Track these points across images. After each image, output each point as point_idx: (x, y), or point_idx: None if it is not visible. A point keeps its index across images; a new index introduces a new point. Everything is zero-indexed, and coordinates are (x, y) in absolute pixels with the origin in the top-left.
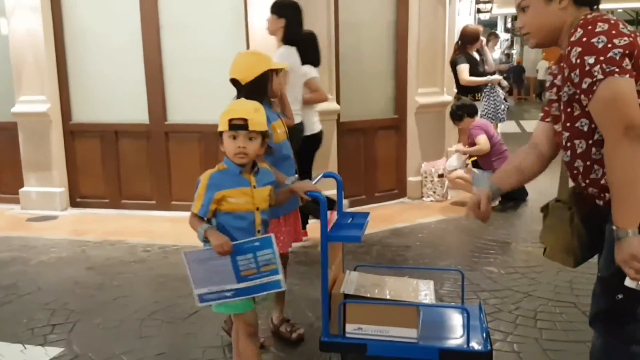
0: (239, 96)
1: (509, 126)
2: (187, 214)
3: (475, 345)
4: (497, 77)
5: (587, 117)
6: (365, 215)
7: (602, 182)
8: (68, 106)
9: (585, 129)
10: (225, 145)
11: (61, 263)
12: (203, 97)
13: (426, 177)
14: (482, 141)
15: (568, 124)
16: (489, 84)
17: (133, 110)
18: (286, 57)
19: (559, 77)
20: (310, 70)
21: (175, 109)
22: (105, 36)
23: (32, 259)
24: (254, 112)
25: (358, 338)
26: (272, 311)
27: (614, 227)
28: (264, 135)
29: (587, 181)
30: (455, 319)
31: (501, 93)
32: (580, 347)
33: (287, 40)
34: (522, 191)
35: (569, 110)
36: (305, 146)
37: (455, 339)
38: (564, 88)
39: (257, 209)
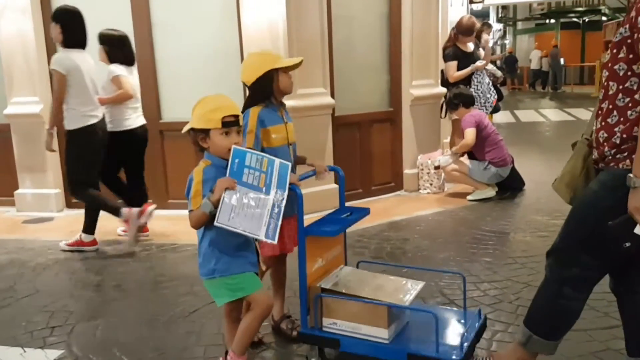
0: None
1: (503, 116)
2: (185, 212)
3: (447, 352)
4: (480, 63)
5: (626, 62)
6: (364, 210)
7: (615, 129)
8: None
9: (621, 73)
10: (215, 142)
11: (58, 265)
12: (197, 95)
13: (422, 170)
14: (468, 135)
15: (609, 64)
16: (475, 72)
17: None
18: (62, 60)
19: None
20: (115, 69)
21: (169, 107)
22: (96, 35)
23: (29, 261)
24: (236, 109)
25: (333, 333)
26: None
27: (631, 176)
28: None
29: (603, 123)
30: (443, 323)
31: (487, 81)
32: (581, 336)
33: (66, 44)
34: (518, 181)
35: (614, 51)
36: (118, 143)
37: (429, 343)
38: (620, 29)
39: None
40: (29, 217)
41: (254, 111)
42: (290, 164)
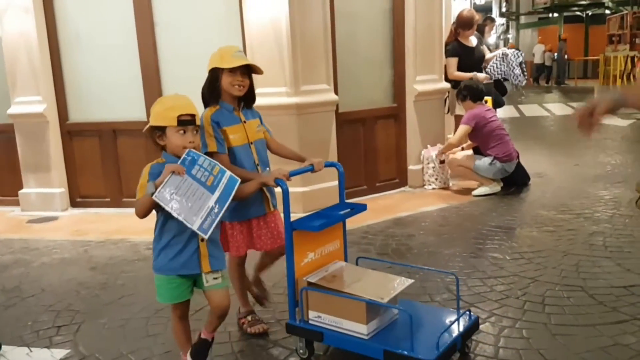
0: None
1: (507, 111)
2: None
3: (421, 351)
4: (482, 75)
5: None
6: (361, 206)
7: None
8: (64, 106)
9: None
10: (171, 140)
11: (64, 264)
12: (200, 93)
13: (428, 164)
14: (457, 133)
15: None
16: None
17: (130, 108)
18: None
19: None
20: None
21: None
22: (99, 34)
23: (35, 260)
24: (193, 107)
25: (317, 326)
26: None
27: None
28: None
29: None
30: (429, 322)
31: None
32: (589, 331)
33: None
34: (523, 176)
35: None
36: None
37: (406, 341)
38: None
39: None
40: (33, 216)
41: (206, 116)
42: (239, 181)
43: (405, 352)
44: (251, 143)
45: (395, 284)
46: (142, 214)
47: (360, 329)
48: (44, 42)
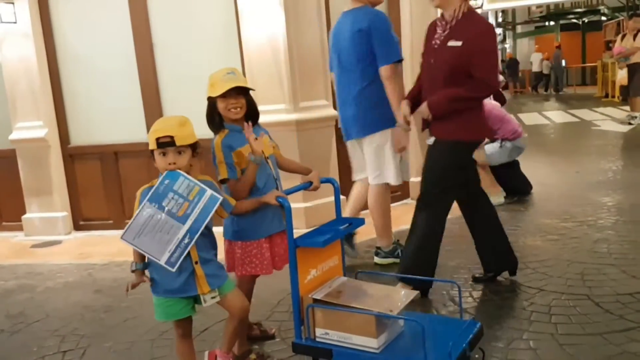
0: None
1: None
2: None
3: None
4: None
5: None
6: (359, 221)
7: None
8: (66, 130)
9: None
10: (157, 162)
11: (68, 288)
12: (200, 114)
13: None
14: None
15: None
16: None
17: (131, 130)
18: None
19: None
20: None
21: None
22: (98, 57)
23: (39, 285)
24: (178, 127)
25: (325, 343)
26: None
27: None
28: (194, 146)
29: None
30: (438, 333)
31: None
32: (597, 340)
33: None
34: (526, 184)
35: None
36: None
37: (417, 354)
38: None
39: None
40: (37, 241)
41: (216, 143)
42: (221, 198)
43: None
44: (267, 158)
45: (401, 296)
46: None
47: (370, 343)
48: (44, 67)
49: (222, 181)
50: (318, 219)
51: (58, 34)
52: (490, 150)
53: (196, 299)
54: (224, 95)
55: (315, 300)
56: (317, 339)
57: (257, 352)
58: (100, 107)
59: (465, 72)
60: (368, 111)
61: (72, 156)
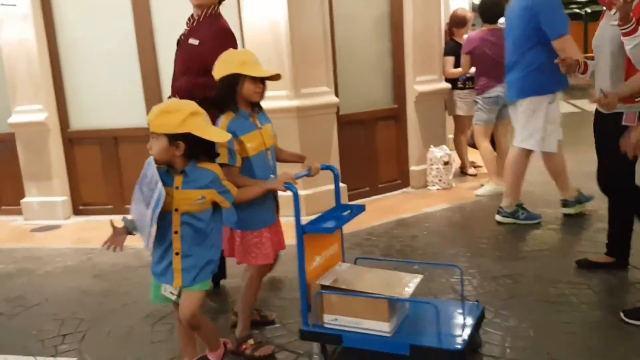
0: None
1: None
2: None
3: (448, 342)
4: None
5: None
6: (360, 207)
7: None
8: (65, 114)
9: None
10: None
11: (67, 272)
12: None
13: (432, 165)
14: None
15: None
16: None
17: (131, 114)
18: None
19: None
20: None
21: None
22: (99, 41)
23: (38, 269)
24: (155, 115)
25: (334, 329)
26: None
27: None
28: (177, 137)
29: None
30: (443, 315)
31: None
32: (596, 329)
33: None
34: None
35: None
36: None
37: (430, 335)
38: None
39: (176, 209)
40: (36, 225)
41: (222, 124)
42: (162, 200)
43: (434, 345)
44: (267, 149)
45: (406, 280)
46: None
47: (382, 327)
48: (44, 50)
49: (222, 165)
50: (318, 206)
51: (58, 17)
52: (475, 115)
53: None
54: (255, 78)
55: (324, 287)
56: (325, 325)
57: (256, 338)
58: (100, 91)
59: None
60: (525, 77)
61: (72, 140)
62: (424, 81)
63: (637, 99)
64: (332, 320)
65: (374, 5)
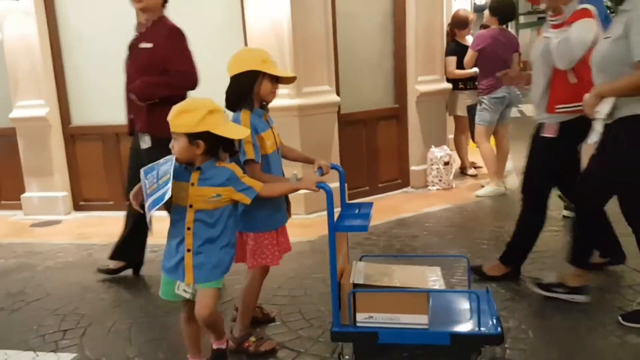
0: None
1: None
2: None
3: (486, 328)
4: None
5: None
6: (369, 205)
7: None
8: (67, 109)
9: None
10: None
11: (68, 268)
12: (203, 95)
13: (432, 165)
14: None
15: None
16: None
17: None
18: None
19: None
20: None
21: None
22: (101, 37)
23: (39, 264)
24: (174, 115)
25: (369, 327)
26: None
27: None
28: (196, 136)
29: None
30: (463, 304)
31: None
32: (596, 330)
33: None
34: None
35: None
36: None
37: (466, 323)
38: None
39: (191, 206)
40: (36, 220)
41: (245, 120)
42: (166, 198)
43: (475, 332)
44: (278, 148)
45: (429, 273)
46: None
47: (420, 320)
48: (46, 46)
49: (246, 162)
50: (317, 205)
51: (60, 12)
52: (477, 115)
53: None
54: (273, 78)
55: (356, 285)
56: (359, 324)
57: (257, 335)
58: (102, 87)
59: None
60: None
61: (73, 136)
62: (426, 81)
63: (557, 109)
64: (367, 319)
65: (377, 5)
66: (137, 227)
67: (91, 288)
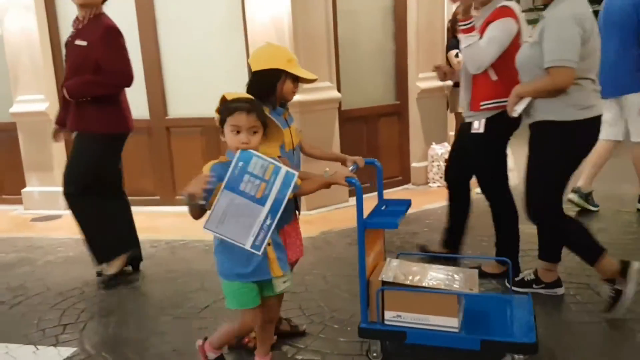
0: (249, 83)
1: None
2: None
3: (520, 336)
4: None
5: None
6: (405, 202)
7: None
8: None
9: None
10: (226, 138)
11: (68, 262)
12: (203, 91)
13: (433, 162)
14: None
15: None
16: None
17: (133, 106)
18: None
19: None
20: None
21: (175, 103)
22: None
23: (39, 259)
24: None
25: (397, 325)
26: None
27: None
28: (265, 125)
29: None
30: (499, 309)
31: None
32: (598, 329)
33: None
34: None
35: None
36: None
37: (499, 329)
38: None
39: None
40: (36, 215)
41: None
42: (296, 174)
43: (507, 339)
44: (294, 149)
45: (465, 274)
46: (195, 218)
47: (450, 323)
48: (46, 40)
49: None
50: (320, 201)
51: (60, 6)
52: None
53: (261, 287)
54: (295, 78)
55: (384, 283)
56: (387, 322)
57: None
58: None
59: None
60: (634, 71)
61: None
62: (427, 78)
63: (481, 106)
64: (395, 317)
65: (378, 1)
66: None
67: (91, 283)
